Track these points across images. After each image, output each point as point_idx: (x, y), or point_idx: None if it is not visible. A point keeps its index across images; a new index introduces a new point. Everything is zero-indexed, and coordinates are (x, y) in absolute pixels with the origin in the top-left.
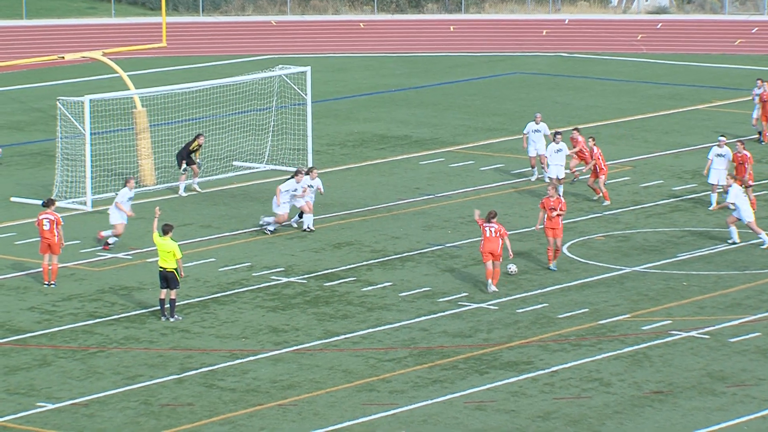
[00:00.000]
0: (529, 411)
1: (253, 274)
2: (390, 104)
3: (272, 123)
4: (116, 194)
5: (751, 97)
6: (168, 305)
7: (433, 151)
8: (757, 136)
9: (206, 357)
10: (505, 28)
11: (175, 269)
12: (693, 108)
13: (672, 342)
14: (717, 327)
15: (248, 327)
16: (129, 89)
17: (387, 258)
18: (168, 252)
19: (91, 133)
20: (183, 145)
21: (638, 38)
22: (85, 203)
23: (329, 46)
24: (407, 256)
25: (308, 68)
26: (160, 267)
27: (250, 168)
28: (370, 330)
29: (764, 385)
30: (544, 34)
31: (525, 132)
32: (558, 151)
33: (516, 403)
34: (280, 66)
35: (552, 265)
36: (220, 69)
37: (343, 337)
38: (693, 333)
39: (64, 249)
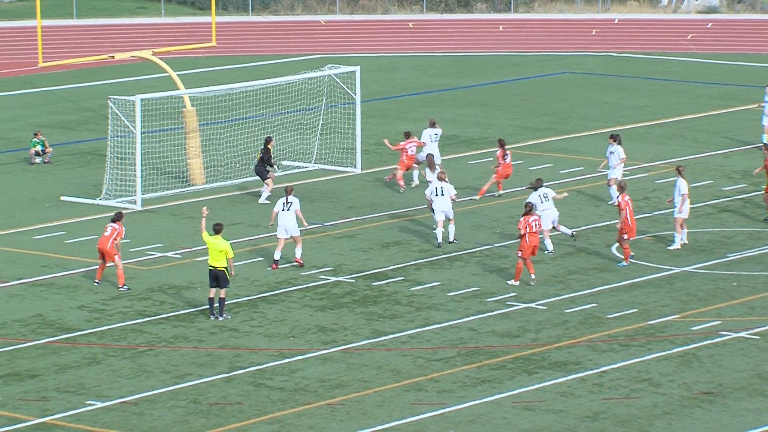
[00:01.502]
0: (577, 411)
1: (302, 274)
2: (439, 104)
3: (320, 122)
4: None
5: (757, 106)
6: (217, 304)
7: (482, 151)
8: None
9: (255, 356)
10: (555, 27)
11: (226, 268)
12: (743, 108)
13: (721, 343)
14: (767, 327)
15: (297, 326)
16: (178, 89)
17: (435, 257)
18: (220, 251)
19: (141, 133)
20: (260, 157)
21: (688, 38)
22: (135, 202)
23: (378, 46)
24: (456, 255)
25: (357, 68)
26: (211, 266)
27: (298, 167)
28: (419, 330)
29: None
30: (593, 33)
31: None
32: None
33: (564, 403)
34: (330, 66)
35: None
36: (270, 68)
37: (391, 336)
38: (743, 333)
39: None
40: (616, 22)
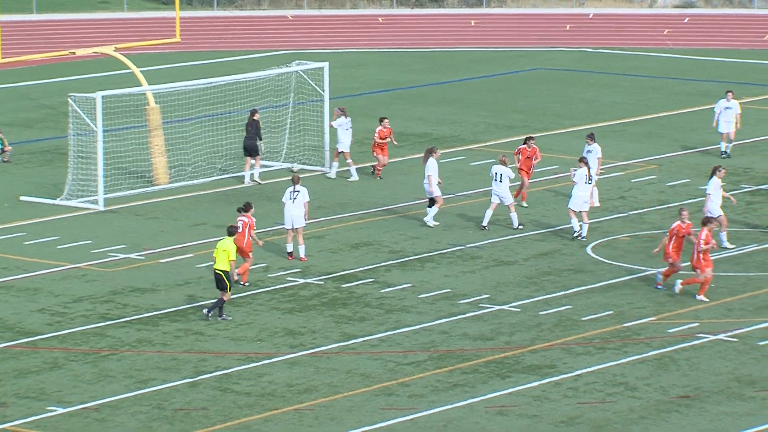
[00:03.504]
0: (552, 416)
1: (269, 275)
2: (409, 101)
3: (289, 120)
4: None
5: (719, 111)
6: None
7: (453, 149)
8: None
9: (221, 360)
10: (528, 22)
11: (225, 273)
12: None
13: (699, 345)
14: (746, 330)
15: (264, 329)
16: (142, 85)
17: (406, 259)
18: (224, 251)
19: (103, 131)
20: (249, 132)
21: (665, 33)
22: (97, 202)
23: (347, 41)
24: (427, 256)
25: (326, 64)
26: (214, 269)
27: (265, 167)
28: (389, 333)
29: None
30: (567, 28)
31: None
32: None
33: (539, 407)
34: (297, 62)
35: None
36: (235, 65)
37: (360, 339)
38: (721, 336)
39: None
40: (590, 16)
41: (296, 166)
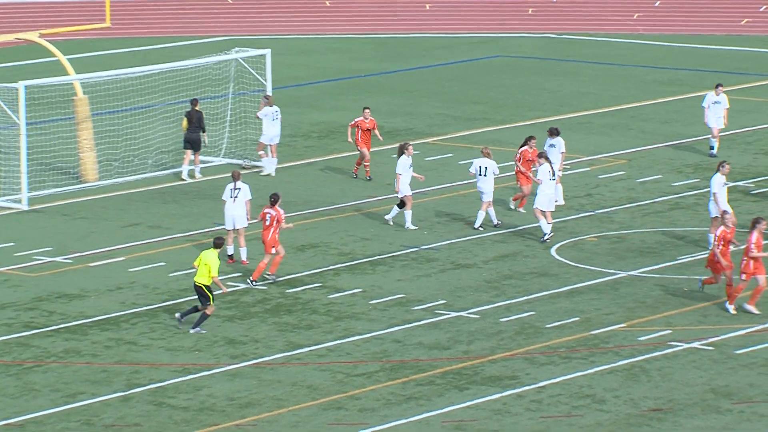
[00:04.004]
0: (514, 431)
1: None
2: (359, 91)
3: (229, 112)
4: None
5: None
6: (199, 314)
7: (382, 140)
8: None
9: (155, 372)
10: (487, 6)
11: (206, 286)
12: (695, 95)
13: (672, 354)
14: (722, 337)
15: (202, 338)
16: (68, 74)
17: (356, 262)
18: (206, 265)
19: (26, 124)
20: (186, 121)
21: (634, 17)
22: (20, 201)
23: (291, 27)
24: (379, 259)
25: (268, 51)
26: (194, 281)
27: (204, 162)
28: (338, 342)
29: None
30: (530, 12)
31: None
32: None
33: (500, 422)
34: (237, 49)
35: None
36: (170, 52)
37: (307, 349)
38: (695, 344)
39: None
40: (554, 0)
41: (248, 163)
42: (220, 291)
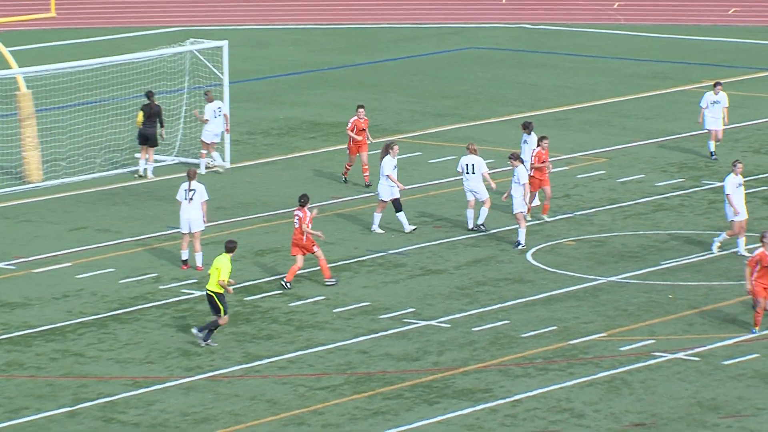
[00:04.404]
0: None
1: (160, 287)
2: (322, 85)
3: (184, 108)
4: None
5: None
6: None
7: (373, 141)
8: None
9: (104, 386)
10: None
11: (218, 294)
12: (679, 89)
13: (655, 365)
14: (708, 347)
15: (154, 350)
16: (11, 68)
17: (319, 268)
18: (215, 269)
19: None
20: (142, 114)
21: (615, 7)
22: None
23: (249, 16)
24: (343, 264)
25: (224, 42)
26: (206, 288)
27: (156, 161)
28: (299, 353)
29: (763, 416)
30: (503, 2)
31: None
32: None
33: None
34: (192, 40)
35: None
36: (120, 44)
37: (267, 361)
38: (680, 354)
39: None
40: None
41: (212, 162)
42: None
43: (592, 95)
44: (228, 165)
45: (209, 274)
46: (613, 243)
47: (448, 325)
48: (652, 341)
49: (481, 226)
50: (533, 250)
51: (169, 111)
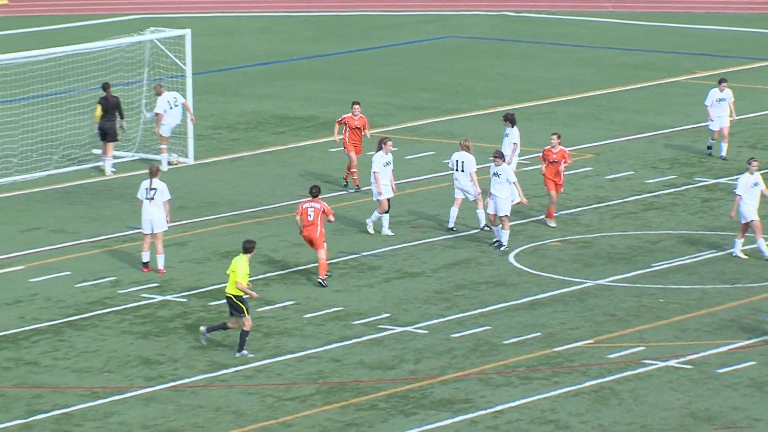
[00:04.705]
0: None
1: (119, 291)
2: (291, 76)
3: (143, 101)
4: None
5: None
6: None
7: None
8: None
9: (60, 396)
10: None
11: (237, 296)
12: (670, 80)
13: (645, 374)
14: (702, 354)
15: (113, 358)
16: None
17: (288, 270)
18: (232, 272)
19: None
20: (101, 108)
21: None
22: None
23: (214, 4)
24: (314, 267)
25: (187, 31)
26: (225, 292)
27: (115, 158)
28: (267, 361)
29: (760, 427)
30: None
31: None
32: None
33: None
34: (152, 29)
35: None
36: (76, 33)
37: (233, 370)
38: (672, 362)
39: None
40: None
41: (175, 158)
42: (250, 296)
43: (579, 87)
44: (191, 161)
45: (228, 276)
46: (600, 244)
47: (426, 332)
48: (642, 348)
49: (485, 228)
50: (516, 251)
51: (128, 104)
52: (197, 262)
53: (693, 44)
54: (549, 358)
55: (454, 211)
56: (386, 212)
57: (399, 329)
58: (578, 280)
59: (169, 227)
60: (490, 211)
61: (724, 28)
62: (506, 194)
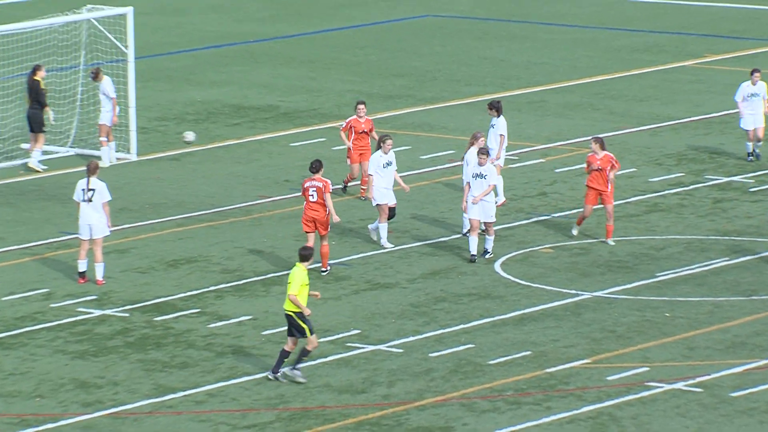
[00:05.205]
0: None
1: (52, 305)
2: (248, 61)
3: (80, 89)
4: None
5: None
6: (296, 357)
7: (309, 129)
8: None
9: None
10: None
11: (297, 313)
12: (677, 65)
13: (650, 398)
14: (713, 376)
15: (45, 381)
16: None
17: (245, 281)
18: (288, 284)
19: None
20: (29, 98)
21: None
22: None
23: None
24: (274, 278)
25: (129, 9)
26: (284, 309)
27: (48, 153)
28: (221, 384)
29: None
30: None
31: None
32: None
33: None
34: (90, 6)
35: None
36: (3, 11)
37: (181, 394)
38: (679, 385)
39: None
40: None
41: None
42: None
43: (573, 72)
44: (134, 157)
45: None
46: (598, 250)
47: (401, 351)
48: (646, 369)
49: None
50: (503, 259)
51: (62, 93)
52: (141, 271)
53: (703, 24)
54: (540, 381)
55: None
56: (388, 220)
57: (370, 348)
58: (573, 291)
59: (109, 232)
60: (474, 216)
61: (738, 6)
62: (492, 197)
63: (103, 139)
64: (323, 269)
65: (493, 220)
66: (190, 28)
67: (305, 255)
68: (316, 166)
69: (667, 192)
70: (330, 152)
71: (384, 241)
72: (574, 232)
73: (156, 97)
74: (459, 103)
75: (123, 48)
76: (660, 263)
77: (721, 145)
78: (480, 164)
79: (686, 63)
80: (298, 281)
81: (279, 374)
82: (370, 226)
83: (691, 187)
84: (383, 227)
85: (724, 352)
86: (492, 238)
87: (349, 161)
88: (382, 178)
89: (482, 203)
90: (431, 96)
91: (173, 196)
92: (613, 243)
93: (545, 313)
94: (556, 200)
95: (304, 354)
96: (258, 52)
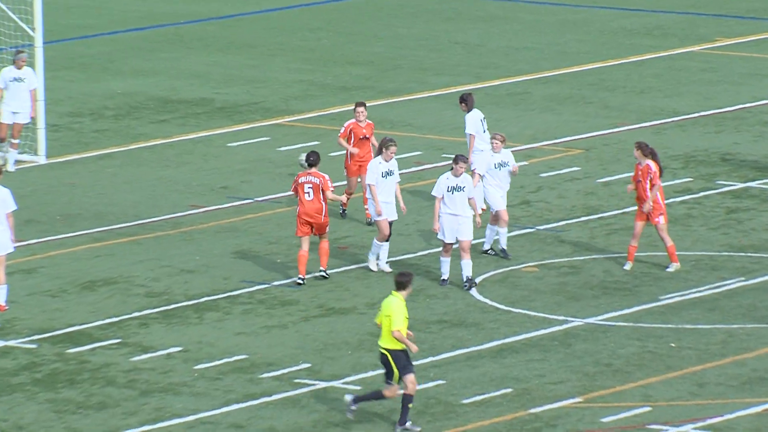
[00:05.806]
0: None
1: None
2: (177, 46)
3: None
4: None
5: None
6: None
7: (250, 126)
8: None
9: None
10: None
11: (390, 351)
12: (684, 50)
13: None
14: (726, 417)
15: None
16: None
17: (174, 305)
18: (387, 317)
19: None
20: None
21: None
22: None
23: None
24: (208, 302)
25: None
26: (379, 345)
27: None
28: (146, 428)
29: None
30: None
31: None
32: None
33: None
34: None
35: None
36: None
37: None
38: (687, 427)
39: None
40: None
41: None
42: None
43: (562, 60)
44: (43, 160)
45: (378, 325)
46: (591, 269)
47: (358, 387)
48: (648, 409)
49: (490, 252)
50: (479, 279)
51: None
52: (51, 295)
53: (713, 3)
54: (523, 423)
55: (491, 230)
56: (387, 240)
57: (322, 384)
58: (562, 317)
59: (13, 248)
60: (448, 239)
61: None
62: (469, 212)
63: (14, 141)
64: (321, 269)
65: (470, 238)
66: (110, 8)
67: (403, 282)
68: (313, 159)
69: (672, 200)
70: (274, 153)
71: (383, 264)
72: (627, 267)
73: (68, 88)
74: (427, 96)
75: (30, 31)
76: (664, 284)
77: (736, 144)
78: (455, 175)
79: (694, 48)
80: (400, 313)
81: (355, 407)
82: (369, 255)
83: (701, 194)
84: (384, 247)
85: (738, 390)
86: (469, 262)
87: (345, 172)
88: (381, 189)
89: (456, 219)
90: (394, 87)
91: (89, 206)
92: (672, 270)
93: (529, 344)
94: (542, 210)
95: (408, 401)
96: (189, 37)
